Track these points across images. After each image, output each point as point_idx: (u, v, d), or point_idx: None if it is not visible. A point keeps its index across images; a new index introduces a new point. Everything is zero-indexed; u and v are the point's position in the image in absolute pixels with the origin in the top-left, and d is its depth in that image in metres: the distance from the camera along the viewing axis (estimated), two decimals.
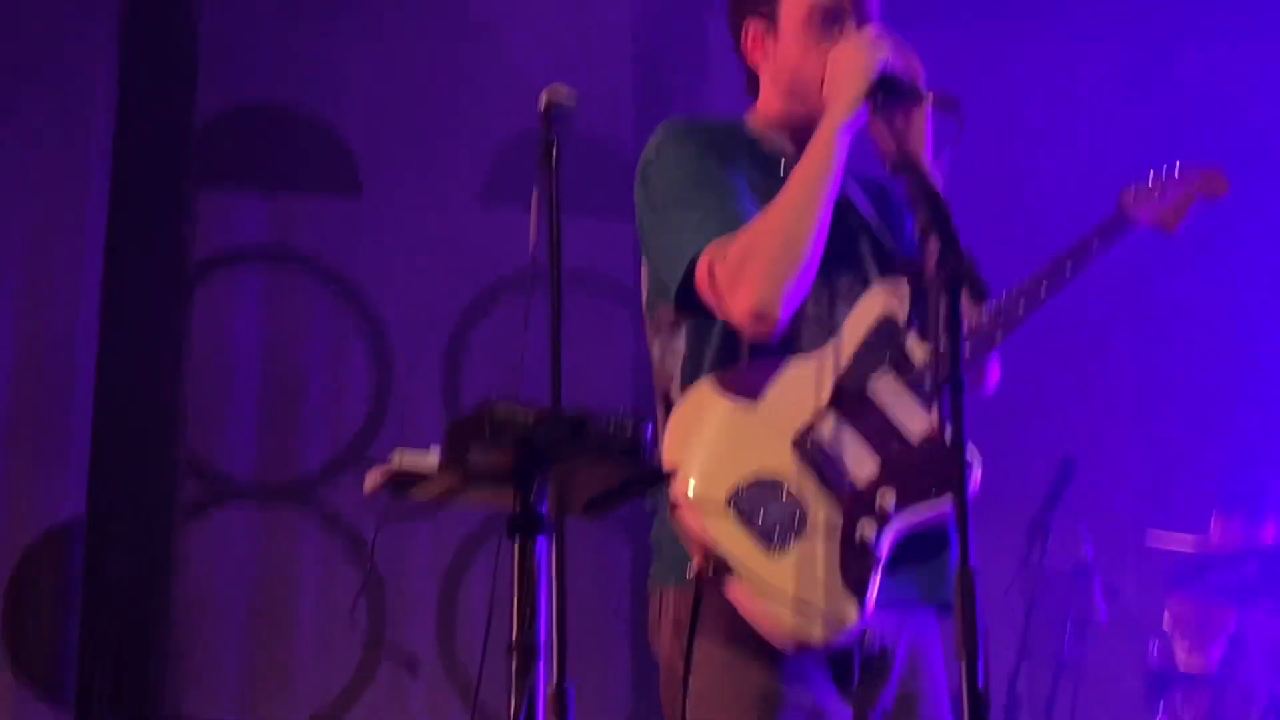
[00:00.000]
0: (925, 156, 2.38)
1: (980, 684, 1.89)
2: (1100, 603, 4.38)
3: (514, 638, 2.03)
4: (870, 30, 2.36)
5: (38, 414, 4.56)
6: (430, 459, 2.06)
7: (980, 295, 2.06)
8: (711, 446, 2.26)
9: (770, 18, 2.43)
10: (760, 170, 2.35)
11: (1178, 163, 2.62)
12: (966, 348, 2.18)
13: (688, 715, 2.24)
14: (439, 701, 4.59)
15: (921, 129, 2.38)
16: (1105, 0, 5.14)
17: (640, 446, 2.08)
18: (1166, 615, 4.56)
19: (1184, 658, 4.51)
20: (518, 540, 2.04)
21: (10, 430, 4.53)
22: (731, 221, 2.28)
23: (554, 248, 2.24)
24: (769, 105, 2.42)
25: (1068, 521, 4.30)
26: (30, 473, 4.59)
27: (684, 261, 2.29)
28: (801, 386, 2.32)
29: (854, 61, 2.29)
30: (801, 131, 2.31)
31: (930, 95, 2.33)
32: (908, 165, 2.22)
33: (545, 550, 2.10)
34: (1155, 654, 4.44)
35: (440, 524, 4.59)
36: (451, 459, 2.03)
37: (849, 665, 2.28)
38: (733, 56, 2.55)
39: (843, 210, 2.40)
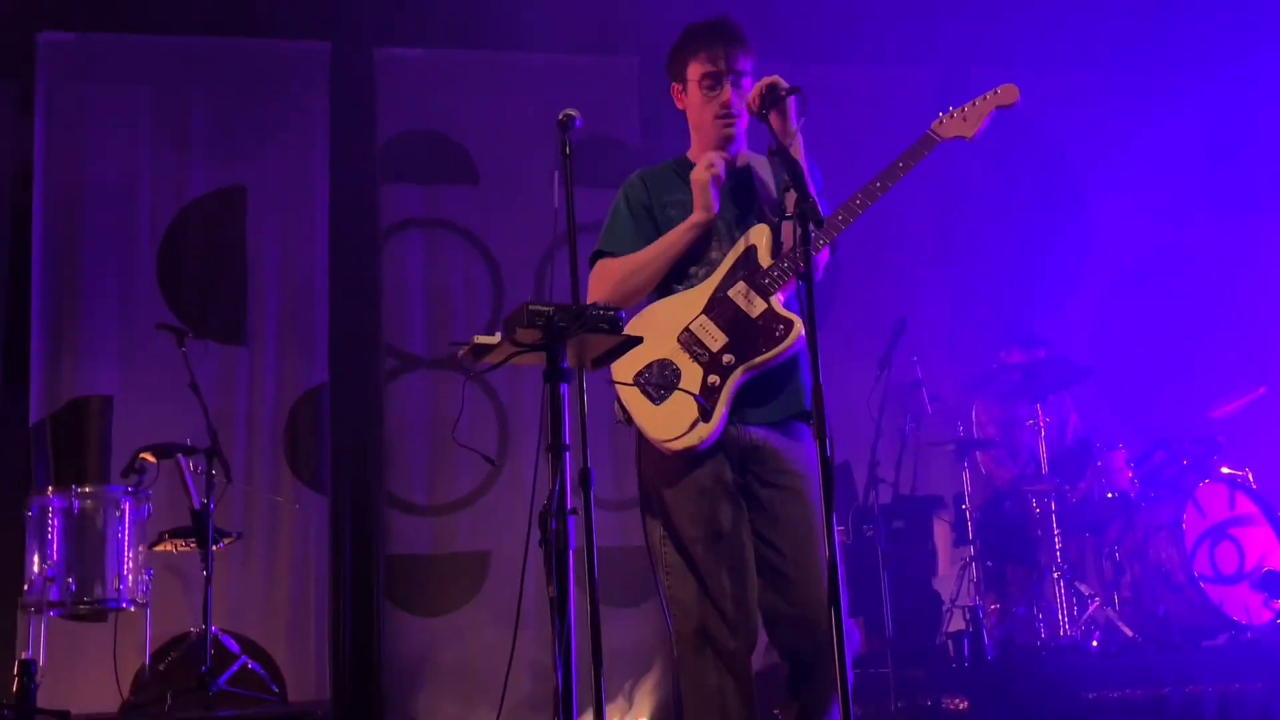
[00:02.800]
0: (794, 141, 3.11)
1: (828, 452, 2.66)
2: (926, 402, 6.15)
3: (552, 441, 2.80)
4: (707, 169, 3.16)
5: (296, 323, 6.39)
6: (494, 338, 2.84)
7: (819, 224, 2.86)
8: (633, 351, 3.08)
9: (683, 82, 3.33)
10: (686, 186, 3.26)
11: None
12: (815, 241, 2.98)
13: (651, 489, 3.22)
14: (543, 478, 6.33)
15: (787, 121, 3.13)
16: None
17: (618, 326, 2.83)
18: (975, 407, 6.44)
19: (982, 430, 6.38)
20: (549, 384, 2.84)
21: (283, 334, 6.38)
22: (622, 246, 3.27)
23: (570, 207, 2.96)
24: (692, 140, 3.37)
25: (905, 353, 6.04)
26: (295, 357, 6.38)
27: (593, 256, 3.33)
28: (691, 300, 3.24)
29: (701, 188, 3.18)
30: (710, 150, 3.26)
31: (784, 90, 3.09)
32: (780, 150, 2.99)
33: (566, 389, 2.85)
34: (961, 431, 6.22)
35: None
36: (506, 336, 2.82)
37: (734, 452, 3.17)
38: None
39: (746, 180, 3.29)
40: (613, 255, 3.28)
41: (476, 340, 2.87)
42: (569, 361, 2.88)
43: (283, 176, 6.55)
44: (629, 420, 3.17)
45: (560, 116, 3.02)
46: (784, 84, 3.08)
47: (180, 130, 6.44)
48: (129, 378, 6.17)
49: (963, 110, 3.29)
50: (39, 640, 5.06)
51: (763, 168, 3.33)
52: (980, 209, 6.94)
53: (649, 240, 3.27)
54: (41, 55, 6.30)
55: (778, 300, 3.16)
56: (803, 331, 3.08)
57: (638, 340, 2.94)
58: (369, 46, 6.68)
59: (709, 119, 3.27)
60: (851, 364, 6.13)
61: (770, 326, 3.13)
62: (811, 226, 2.79)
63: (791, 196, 2.86)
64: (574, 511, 2.77)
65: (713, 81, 3.25)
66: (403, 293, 6.62)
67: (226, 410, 6.17)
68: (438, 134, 6.74)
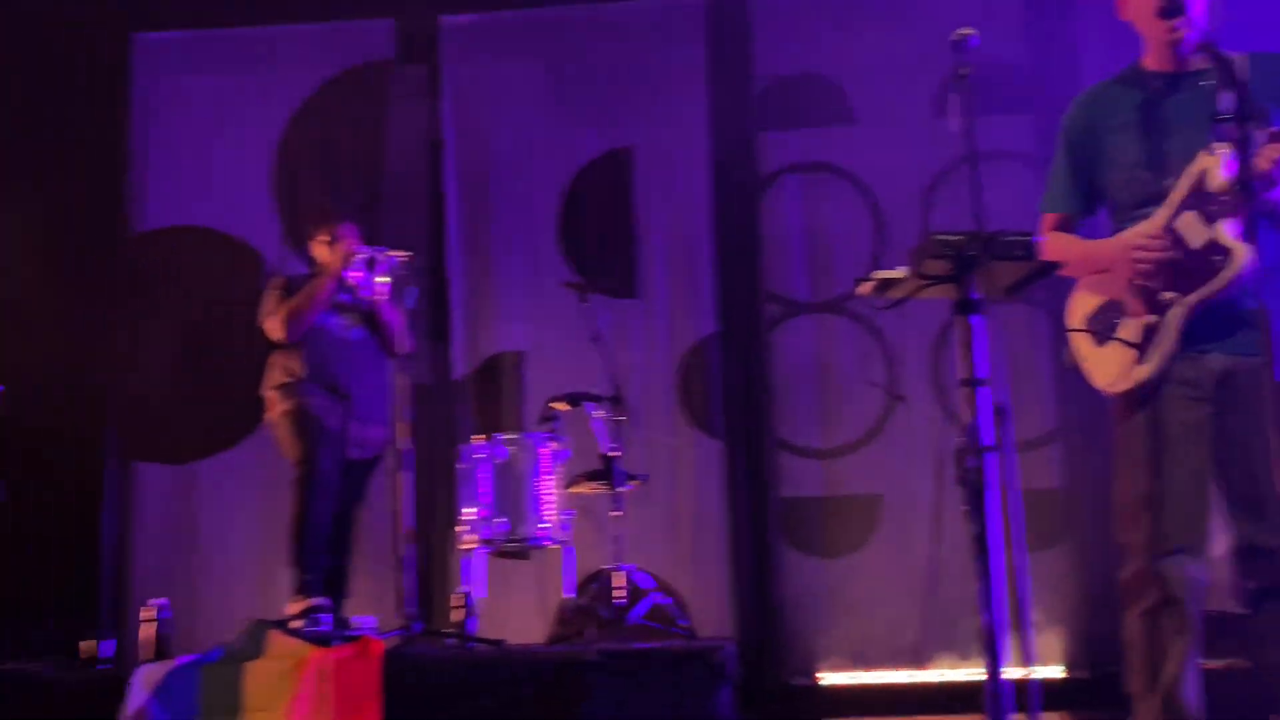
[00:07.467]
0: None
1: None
2: None
3: (966, 375, 2.76)
4: None
5: (684, 275, 6.55)
6: (900, 272, 2.91)
7: (1264, 120, 2.78)
8: (1088, 293, 3.22)
9: None
10: (1140, 90, 3.17)
11: None
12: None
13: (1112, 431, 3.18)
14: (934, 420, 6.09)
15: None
16: None
17: (1031, 252, 2.78)
18: None
19: None
20: (961, 316, 2.83)
21: (672, 286, 6.53)
22: (1055, 204, 3.30)
23: (969, 132, 2.87)
24: (1145, 46, 3.25)
25: None
26: (685, 308, 6.55)
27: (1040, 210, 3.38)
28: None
29: None
30: (1160, 60, 3.17)
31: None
32: (1206, 47, 2.91)
33: (980, 321, 2.80)
34: None
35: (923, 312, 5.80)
36: (913, 269, 2.86)
37: (1194, 384, 3.04)
38: None
39: (1197, 94, 3.09)
40: (1050, 213, 3.29)
41: (881, 275, 2.86)
42: (978, 292, 2.80)
43: (665, 133, 6.71)
44: (1072, 361, 3.19)
45: (953, 36, 2.94)
46: None
47: (569, 99, 6.75)
48: (537, 334, 6.58)
49: None
50: (476, 576, 5.51)
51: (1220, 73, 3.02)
52: None
53: (1085, 193, 3.26)
54: (444, 37, 6.82)
55: (1225, 228, 2.97)
56: (1248, 257, 2.89)
57: (1054, 267, 2.88)
58: None
59: (1155, 25, 3.11)
60: None
61: (1209, 258, 2.97)
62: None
63: (1229, 96, 2.71)
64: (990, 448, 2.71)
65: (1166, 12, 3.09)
66: (783, 239, 6.66)
67: (622, 361, 6.35)
68: (813, 75, 6.70)
